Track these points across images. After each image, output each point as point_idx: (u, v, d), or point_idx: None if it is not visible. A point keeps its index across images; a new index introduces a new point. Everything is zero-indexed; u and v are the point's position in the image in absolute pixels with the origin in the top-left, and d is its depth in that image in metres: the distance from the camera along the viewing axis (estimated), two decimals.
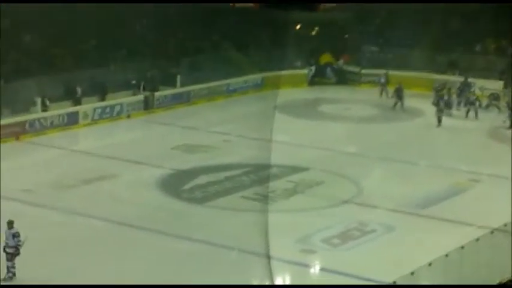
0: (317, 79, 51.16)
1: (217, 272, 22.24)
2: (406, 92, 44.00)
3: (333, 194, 29.20)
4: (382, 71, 47.67)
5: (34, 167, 32.66)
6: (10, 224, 21.46)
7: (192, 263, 22.97)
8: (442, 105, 40.63)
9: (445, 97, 42.18)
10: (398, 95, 43.66)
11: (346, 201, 28.41)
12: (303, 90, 49.42)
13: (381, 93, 46.50)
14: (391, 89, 45.14)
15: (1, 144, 34.77)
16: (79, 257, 23.19)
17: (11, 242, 21.17)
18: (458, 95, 44.04)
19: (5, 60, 38.85)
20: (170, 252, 23.72)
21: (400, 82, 44.26)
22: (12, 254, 21.15)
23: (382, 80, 46.81)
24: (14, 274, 21.14)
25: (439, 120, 39.79)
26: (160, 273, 22.21)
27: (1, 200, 27.63)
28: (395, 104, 43.54)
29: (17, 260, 22.09)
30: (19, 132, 36.39)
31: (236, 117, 41.86)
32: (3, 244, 21.35)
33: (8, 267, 21.10)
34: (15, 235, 21.21)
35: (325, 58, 52.02)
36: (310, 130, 39.95)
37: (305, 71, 50.94)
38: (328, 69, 51.82)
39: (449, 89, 43.89)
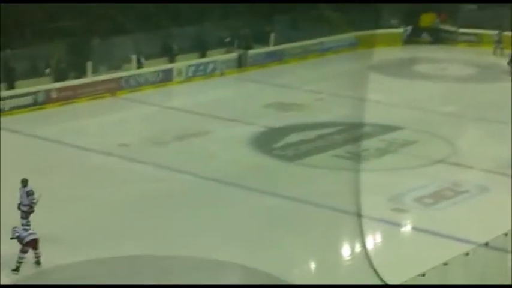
0: (413, 38, 50.32)
1: (307, 230, 22.23)
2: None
3: (427, 154, 28.78)
4: (494, 31, 46.53)
5: (129, 123, 33.18)
6: (24, 182, 21.20)
7: (283, 221, 23.00)
8: None
9: None
10: None
11: (439, 161, 27.98)
12: (398, 49, 48.73)
13: (495, 52, 45.49)
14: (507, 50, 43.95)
15: (97, 100, 35.43)
16: (171, 212, 23.52)
17: (25, 200, 20.96)
18: None
19: (101, 17, 39.37)
20: (260, 209, 23.81)
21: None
22: (27, 212, 20.98)
23: (496, 39, 45.86)
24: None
25: None
26: (250, 229, 22.33)
27: (97, 155, 28.29)
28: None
29: (118, 213, 22.59)
30: (115, 88, 36.98)
31: (329, 76, 41.60)
32: (18, 202, 21.19)
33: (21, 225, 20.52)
34: (29, 193, 20.99)
35: (426, 18, 51.02)
36: (404, 89, 39.42)
37: (400, 30, 50.15)
38: (425, 30, 50.87)
39: None
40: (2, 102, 33.05)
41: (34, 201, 20.99)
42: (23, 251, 19.26)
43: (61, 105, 34.48)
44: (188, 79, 39.98)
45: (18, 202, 21.05)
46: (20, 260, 19.21)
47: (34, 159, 27.93)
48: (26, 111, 33.38)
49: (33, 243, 19.41)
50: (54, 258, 19.80)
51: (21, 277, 19.12)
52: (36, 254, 19.52)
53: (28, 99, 33.89)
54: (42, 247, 19.51)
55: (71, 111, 34.07)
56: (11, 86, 34.50)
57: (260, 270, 19.69)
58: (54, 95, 34.78)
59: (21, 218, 20.79)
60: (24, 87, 34.46)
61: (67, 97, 35.07)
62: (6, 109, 33.10)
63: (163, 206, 23.94)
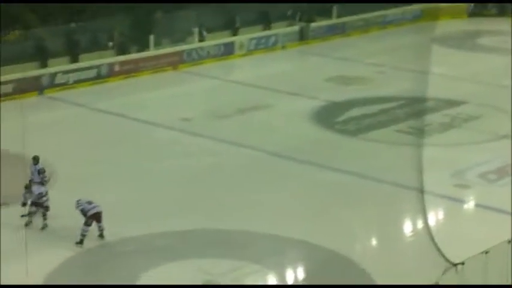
0: (478, 11, 49.45)
1: (368, 205, 22.14)
2: None
3: (491, 129, 28.36)
4: None
5: (191, 97, 33.30)
6: (36, 159, 21.09)
7: (343, 196, 22.94)
8: None
9: None
10: None
11: (504, 136, 27.51)
12: (463, 22, 47.93)
13: None
14: None
15: (159, 74, 35.62)
16: (232, 185, 23.60)
17: (37, 178, 20.81)
18: None
19: None
20: (321, 184, 23.75)
21: None
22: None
23: None
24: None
25: None
26: (311, 204, 22.31)
27: (159, 129, 28.49)
28: None
29: (180, 186, 22.77)
30: (177, 61, 37.11)
31: (392, 49, 41.15)
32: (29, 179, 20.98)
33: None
34: (41, 171, 20.86)
35: None
36: (468, 63, 38.83)
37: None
38: (491, 2, 49.90)
39: None
40: (66, 75, 33.42)
41: (46, 179, 20.94)
42: (87, 224, 19.52)
43: (123, 79, 34.73)
44: (250, 52, 39.91)
45: (29, 179, 20.84)
46: (84, 233, 19.47)
47: (97, 133, 28.25)
48: (89, 85, 33.71)
49: (97, 217, 19.65)
50: (118, 231, 20.03)
51: (85, 250, 19.39)
52: (99, 227, 19.77)
53: (91, 73, 34.22)
54: (105, 220, 19.75)
55: (133, 84, 34.32)
56: (74, 60, 34.86)
57: (320, 246, 19.69)
58: (116, 68, 35.05)
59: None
60: (88, 60, 34.78)
61: (129, 70, 35.32)
62: (70, 82, 33.47)
63: (224, 179, 24.02)
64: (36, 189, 20.36)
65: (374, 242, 20.94)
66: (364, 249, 20.16)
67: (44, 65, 33.75)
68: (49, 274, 18.25)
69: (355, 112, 30.47)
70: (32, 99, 31.40)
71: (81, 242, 19.49)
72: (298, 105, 31.43)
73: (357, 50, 40.99)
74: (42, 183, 20.72)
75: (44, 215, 20.32)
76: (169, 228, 20.64)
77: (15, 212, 20.58)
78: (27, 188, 20.41)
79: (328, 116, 30.27)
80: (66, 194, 21.17)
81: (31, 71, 32.66)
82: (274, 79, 35.30)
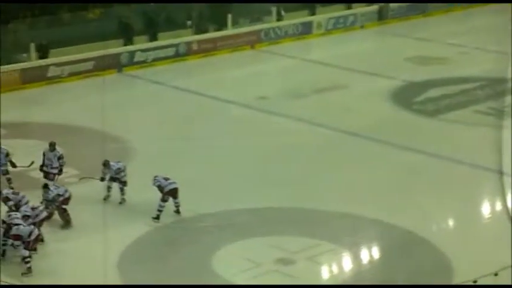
0: None
1: (446, 186, 21.85)
2: None
3: None
4: None
5: (268, 76, 33.29)
6: (52, 146, 21.06)
7: (421, 176, 22.69)
8: None
9: None
10: None
11: None
12: None
13: None
14: None
15: (237, 53, 35.68)
16: (307, 165, 23.52)
17: (55, 163, 20.87)
18: None
19: None
20: (398, 164, 23.54)
21: None
22: (55, 174, 20.97)
23: None
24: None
25: None
26: (388, 184, 22.13)
27: (236, 107, 28.60)
28: None
29: (256, 165, 23.01)
30: (254, 40, 37.11)
31: (474, 29, 40.39)
32: (42, 164, 20.92)
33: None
34: (61, 157, 20.89)
35: None
36: None
37: None
38: None
39: None
40: (145, 53, 33.73)
41: (63, 165, 21.03)
42: (163, 200, 19.71)
43: (201, 57, 34.90)
44: (328, 32, 39.64)
45: (41, 164, 20.90)
46: (160, 209, 19.67)
47: (175, 110, 28.49)
48: (167, 63, 33.98)
49: (173, 193, 19.82)
50: (194, 207, 20.19)
51: (161, 225, 19.61)
52: (176, 203, 19.95)
53: (170, 51, 34.46)
54: (181, 196, 19.91)
55: (211, 63, 34.46)
56: (153, 38, 35.16)
57: (398, 226, 19.53)
58: (194, 47, 35.21)
59: (49, 179, 20.63)
60: (166, 39, 35.04)
61: (207, 49, 35.45)
62: (148, 60, 33.78)
63: (301, 158, 23.97)
64: (115, 164, 20.63)
65: (451, 223, 20.69)
66: (441, 230, 19.92)
67: (126, 43, 34.10)
68: (126, 248, 18.51)
69: (434, 92, 30.06)
70: (112, 76, 31.80)
71: (157, 218, 19.70)
72: (376, 85, 31.15)
73: (437, 30, 40.36)
74: (61, 168, 20.90)
75: (122, 190, 20.60)
76: (245, 205, 20.72)
77: (94, 187, 20.88)
78: (106, 164, 20.70)
79: (407, 96, 29.93)
80: (143, 170, 21.39)
81: (111, 48, 33.06)
82: (352, 59, 35.01)
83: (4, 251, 17.92)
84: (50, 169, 21.01)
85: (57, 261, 18.14)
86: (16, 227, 17.55)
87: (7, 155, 21.13)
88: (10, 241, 17.67)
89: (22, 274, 17.21)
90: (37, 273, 17.38)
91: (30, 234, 17.39)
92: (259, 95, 29.77)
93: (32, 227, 17.63)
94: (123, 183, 20.60)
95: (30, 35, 32.15)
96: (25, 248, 17.38)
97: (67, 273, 17.52)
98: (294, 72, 33.79)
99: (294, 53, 36.32)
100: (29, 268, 17.33)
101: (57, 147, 21.10)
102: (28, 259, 17.36)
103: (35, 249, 17.75)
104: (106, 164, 20.69)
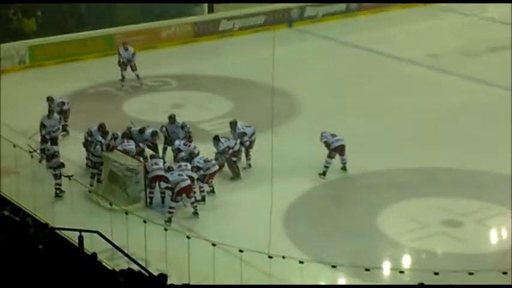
0: None
1: None
2: None
3: None
4: None
5: (440, 33, 32.43)
6: (172, 118, 20.47)
7: None
8: None
9: None
10: None
11: None
12: None
13: None
14: None
15: (409, 9, 34.90)
16: (482, 125, 22.85)
17: (181, 134, 20.17)
18: None
19: None
20: None
21: None
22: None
23: None
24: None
25: None
26: None
27: (406, 64, 28.11)
28: None
29: (425, 124, 22.71)
30: None
31: None
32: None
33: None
34: (154, 133, 19.98)
35: None
36: None
37: None
38: None
39: None
40: (315, 8, 33.60)
41: (190, 132, 20.49)
42: (330, 156, 19.67)
43: (372, 13, 34.39)
44: None
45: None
46: (327, 165, 19.66)
47: (344, 66, 28.31)
48: (338, 18, 33.73)
49: (340, 149, 19.76)
50: (360, 164, 20.06)
51: (327, 181, 19.61)
52: (342, 160, 19.88)
53: (340, 7, 34.16)
54: (348, 153, 19.82)
55: (381, 19, 33.89)
56: None
57: None
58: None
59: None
60: None
61: (379, 5, 34.88)
62: (319, 16, 33.65)
63: (474, 119, 23.36)
64: (240, 128, 20.24)
65: None
66: None
67: None
68: (292, 201, 18.69)
69: None
70: (282, 31, 31.86)
71: (324, 174, 19.72)
72: None
73: None
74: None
75: (247, 155, 20.37)
76: (412, 164, 20.43)
77: (261, 141, 20.85)
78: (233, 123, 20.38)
79: None
80: (311, 126, 21.52)
81: (282, 3, 33.12)
82: None
83: (151, 198, 18.47)
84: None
85: (226, 211, 18.53)
86: (170, 172, 18.08)
87: (153, 134, 20.19)
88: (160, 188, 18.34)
89: (165, 222, 17.58)
90: (206, 222, 17.88)
91: (176, 184, 17.80)
92: (430, 52, 29.14)
93: (180, 177, 17.85)
94: (246, 148, 20.31)
95: None
96: (171, 199, 17.87)
97: (234, 223, 17.87)
98: (468, 30, 32.78)
99: (468, 10, 35.18)
100: (170, 218, 17.70)
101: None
102: (171, 209, 17.79)
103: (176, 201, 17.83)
104: (232, 124, 20.42)
